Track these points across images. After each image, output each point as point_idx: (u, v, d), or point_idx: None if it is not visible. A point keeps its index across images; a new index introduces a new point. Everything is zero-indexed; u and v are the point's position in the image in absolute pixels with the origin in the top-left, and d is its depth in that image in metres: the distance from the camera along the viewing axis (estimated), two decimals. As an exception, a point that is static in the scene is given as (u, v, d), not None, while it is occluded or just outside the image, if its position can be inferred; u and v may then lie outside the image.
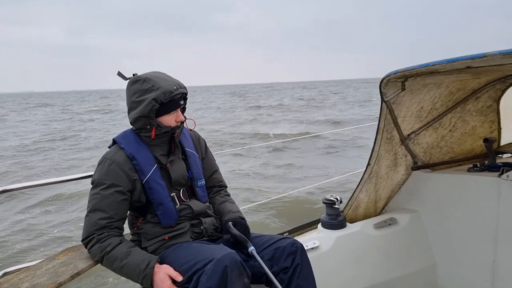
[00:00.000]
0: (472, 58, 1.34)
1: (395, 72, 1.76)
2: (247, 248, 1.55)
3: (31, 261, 1.64)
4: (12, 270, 1.55)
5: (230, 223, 1.66)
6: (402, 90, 1.89)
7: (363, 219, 2.22)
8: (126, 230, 1.67)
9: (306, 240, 1.96)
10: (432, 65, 1.55)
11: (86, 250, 1.56)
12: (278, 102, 37.80)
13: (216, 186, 1.90)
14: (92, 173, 1.64)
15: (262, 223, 5.86)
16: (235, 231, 1.62)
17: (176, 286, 1.45)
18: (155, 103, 1.54)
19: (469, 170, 2.12)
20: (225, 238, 1.66)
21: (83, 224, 1.55)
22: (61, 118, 30.43)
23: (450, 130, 2.23)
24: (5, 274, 1.53)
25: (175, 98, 1.59)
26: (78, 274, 1.43)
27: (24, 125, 25.52)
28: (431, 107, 2.09)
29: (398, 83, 1.86)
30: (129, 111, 1.63)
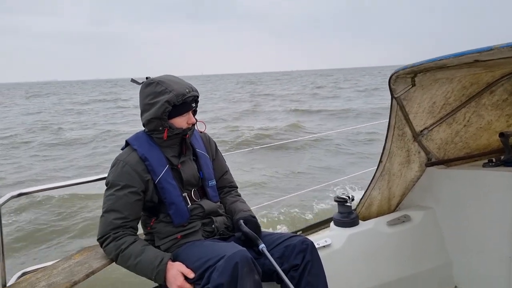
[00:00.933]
0: (479, 51, 1.31)
1: (404, 68, 1.74)
2: (257, 246, 1.57)
3: (48, 261, 1.69)
4: (30, 270, 1.60)
5: (241, 221, 1.69)
6: (412, 86, 1.87)
7: (376, 217, 2.20)
8: (140, 231, 1.71)
9: (318, 238, 1.96)
10: (440, 59, 1.52)
11: (101, 250, 1.60)
12: (286, 91, 37.13)
13: (226, 186, 1.93)
14: (106, 175, 1.68)
15: (272, 222, 5.87)
16: (246, 229, 1.64)
17: (188, 282, 1.48)
18: (168, 105, 1.58)
19: (484, 166, 2.08)
20: (236, 236, 1.69)
21: (98, 224, 1.60)
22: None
23: (464, 125, 2.19)
24: (23, 274, 1.58)
25: (187, 101, 1.63)
26: (92, 273, 1.47)
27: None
28: (444, 102, 2.05)
29: (407, 79, 1.84)
30: (142, 113, 1.67)
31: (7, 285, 1.47)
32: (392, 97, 1.90)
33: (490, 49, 1.26)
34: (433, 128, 2.12)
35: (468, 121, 2.18)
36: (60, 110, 28.70)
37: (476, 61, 1.47)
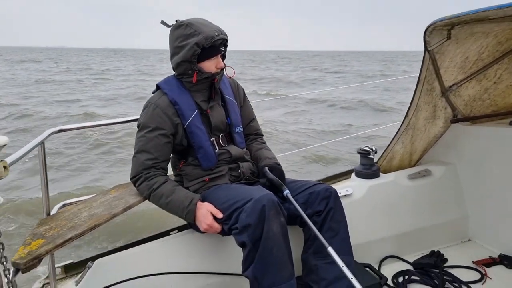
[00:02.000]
0: None
1: (442, 19, 1.68)
2: (282, 192, 1.61)
3: (85, 195, 1.80)
4: (70, 202, 1.71)
5: (267, 168, 1.73)
6: (447, 39, 1.82)
7: (397, 170, 2.24)
8: (170, 172, 1.78)
9: (340, 188, 2.02)
10: (482, 11, 1.47)
11: (134, 188, 1.69)
12: (271, 74, 34.05)
13: (253, 134, 1.96)
14: (138, 116, 1.73)
15: (296, 171, 6.00)
16: (271, 175, 1.69)
17: (217, 222, 1.57)
18: (197, 47, 1.58)
19: (511, 124, 2.06)
20: (261, 182, 1.74)
21: (131, 164, 1.68)
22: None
23: (494, 82, 2.15)
24: (64, 205, 1.69)
25: (216, 44, 1.62)
26: (129, 207, 1.57)
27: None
28: (477, 58, 2.00)
29: (444, 31, 1.79)
30: (172, 56, 1.68)
31: (51, 214, 1.59)
32: (426, 49, 1.86)
33: None
34: (462, 84, 2.09)
35: (499, 78, 2.13)
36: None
37: None
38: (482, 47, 1.96)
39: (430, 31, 1.77)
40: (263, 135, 2.01)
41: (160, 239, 1.74)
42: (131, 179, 1.69)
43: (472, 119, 2.23)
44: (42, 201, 1.57)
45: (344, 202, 1.74)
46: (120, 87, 21.51)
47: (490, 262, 1.97)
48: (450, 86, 2.09)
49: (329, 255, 1.39)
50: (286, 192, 1.61)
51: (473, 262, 1.99)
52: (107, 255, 1.63)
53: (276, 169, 1.75)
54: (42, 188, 1.55)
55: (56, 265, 1.62)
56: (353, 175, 2.19)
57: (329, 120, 11.49)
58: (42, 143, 1.53)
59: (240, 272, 1.48)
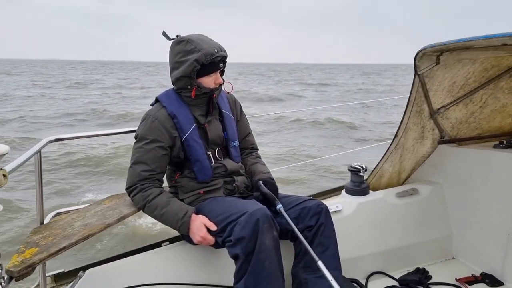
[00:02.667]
0: (509, 35, 1.36)
1: (432, 46, 1.77)
2: (275, 206, 1.65)
3: (79, 204, 1.81)
4: (64, 211, 1.72)
5: (261, 182, 1.77)
6: (436, 64, 1.91)
7: (385, 188, 2.30)
8: (164, 184, 1.80)
9: (330, 204, 2.06)
10: (469, 40, 1.56)
11: (129, 198, 1.70)
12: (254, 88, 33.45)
13: (248, 148, 2.00)
14: (136, 128, 1.76)
15: (288, 186, 6.03)
16: (265, 189, 1.73)
17: (211, 234, 1.59)
18: (197, 64, 1.62)
19: (495, 147, 2.15)
20: (255, 195, 1.78)
21: (127, 175, 1.70)
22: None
23: (480, 107, 2.24)
24: (57, 214, 1.70)
25: (215, 61, 1.66)
26: (123, 217, 1.58)
27: None
28: (464, 83, 2.10)
29: (433, 56, 1.87)
30: (171, 71, 1.72)
31: (44, 222, 1.59)
32: (416, 73, 1.94)
33: None
34: (450, 107, 2.17)
35: (484, 102, 2.23)
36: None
37: (504, 44, 1.51)
38: (469, 73, 2.05)
39: (420, 56, 1.85)
40: (258, 150, 2.05)
41: (152, 250, 1.75)
42: (126, 189, 1.70)
43: (459, 141, 2.32)
44: (36, 209, 1.57)
45: (334, 218, 1.79)
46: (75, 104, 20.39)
47: (472, 280, 2.03)
48: (438, 109, 2.17)
49: (318, 270, 1.43)
50: (279, 206, 1.65)
51: (456, 280, 2.05)
52: (98, 265, 1.64)
53: (270, 183, 1.79)
54: (37, 197, 1.56)
55: (47, 274, 1.62)
56: (343, 191, 2.24)
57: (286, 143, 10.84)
58: (39, 151, 1.54)
59: (232, 285, 1.50)
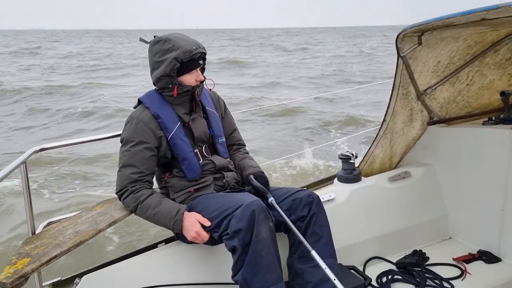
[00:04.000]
0: (486, 10, 1.35)
1: (411, 27, 1.76)
2: (267, 199, 1.66)
3: (70, 212, 1.81)
4: (55, 220, 1.72)
5: (251, 175, 1.78)
6: (418, 45, 1.89)
7: (378, 173, 2.30)
8: (155, 185, 1.80)
9: (323, 193, 2.06)
10: (447, 18, 1.55)
11: (120, 203, 1.70)
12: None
13: (235, 144, 2.00)
14: (120, 132, 1.75)
15: (280, 178, 6.02)
16: (256, 183, 1.73)
17: (205, 231, 1.60)
18: (176, 62, 1.61)
19: (484, 124, 2.15)
20: (246, 190, 1.78)
21: (116, 179, 1.69)
22: None
23: (467, 85, 2.23)
24: (49, 223, 1.70)
25: (195, 58, 1.66)
26: (114, 222, 1.58)
27: None
28: (449, 61, 2.09)
29: (414, 37, 1.86)
30: (152, 71, 1.71)
31: (36, 232, 1.59)
32: (398, 56, 1.93)
33: (497, 8, 1.30)
34: (436, 87, 2.16)
35: (471, 80, 2.22)
36: None
37: (483, 19, 1.50)
38: (453, 51, 2.04)
39: (401, 38, 1.84)
40: (245, 145, 2.06)
41: (147, 252, 1.75)
42: (116, 193, 1.70)
43: (448, 121, 2.31)
44: (27, 220, 1.57)
45: (327, 206, 1.79)
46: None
47: (470, 258, 2.04)
48: (425, 90, 2.16)
49: (313, 259, 1.44)
50: (271, 199, 1.65)
51: (454, 259, 2.05)
52: (94, 271, 1.64)
53: (261, 177, 1.79)
54: (26, 208, 1.56)
55: (44, 283, 1.62)
56: (335, 180, 2.24)
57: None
58: (24, 162, 1.54)
59: (229, 282, 1.51)
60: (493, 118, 2.16)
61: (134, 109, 1.76)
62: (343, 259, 1.91)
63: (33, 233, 1.58)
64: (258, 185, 1.72)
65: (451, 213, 2.27)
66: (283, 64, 24.46)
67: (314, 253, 1.44)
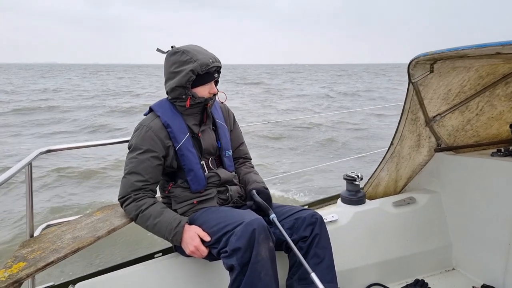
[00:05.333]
0: (502, 44, 1.35)
1: (425, 55, 1.76)
2: (268, 216, 1.63)
3: (70, 216, 1.78)
4: (54, 223, 1.69)
5: (254, 191, 1.75)
6: (430, 72, 1.90)
7: (382, 197, 2.27)
8: (157, 194, 1.78)
9: (326, 213, 2.04)
10: (462, 49, 1.55)
11: (121, 209, 1.68)
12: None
13: (242, 157, 1.99)
14: (129, 138, 1.74)
15: (283, 195, 5.99)
16: (258, 198, 1.71)
17: (204, 246, 1.56)
18: (192, 74, 1.62)
19: (492, 155, 2.13)
20: (248, 205, 1.75)
21: (120, 185, 1.67)
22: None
23: (477, 114, 2.23)
24: (48, 226, 1.67)
25: (211, 71, 1.67)
26: (114, 230, 1.55)
27: None
28: (459, 90, 2.08)
29: (427, 65, 1.86)
30: (166, 81, 1.71)
31: (34, 235, 1.57)
32: (410, 81, 1.93)
33: None
34: (446, 114, 2.16)
35: (480, 110, 2.21)
36: None
37: (498, 53, 1.50)
38: (464, 81, 2.04)
39: (413, 65, 1.84)
40: (251, 159, 2.04)
41: (144, 262, 1.72)
42: (119, 199, 1.68)
43: (456, 149, 2.30)
44: (26, 222, 1.55)
45: (329, 228, 1.76)
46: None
47: (473, 292, 1.99)
48: (434, 117, 2.15)
49: (313, 282, 1.40)
50: (272, 216, 1.62)
51: None
52: (88, 278, 1.60)
53: (264, 192, 1.76)
54: (27, 210, 1.53)
55: None
56: (339, 200, 2.21)
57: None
58: (29, 163, 1.52)
59: None
60: (502, 150, 2.14)
61: (144, 116, 1.75)
62: (342, 283, 1.87)
63: (31, 235, 1.55)
64: (260, 201, 1.70)
65: (455, 243, 2.23)
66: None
67: (313, 275, 1.40)
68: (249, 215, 1.52)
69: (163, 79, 1.76)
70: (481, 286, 2.02)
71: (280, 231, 1.56)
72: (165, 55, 1.71)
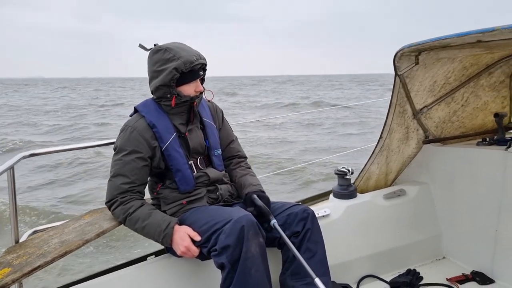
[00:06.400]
0: (482, 32, 1.36)
1: (409, 46, 1.78)
2: (269, 221, 1.59)
3: (58, 221, 1.74)
4: (41, 229, 1.65)
5: (255, 195, 1.69)
6: (415, 64, 1.91)
7: (373, 191, 2.28)
8: (147, 195, 1.75)
9: (318, 208, 2.04)
10: (444, 39, 1.57)
11: (109, 212, 1.65)
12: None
13: (235, 156, 1.92)
14: (114, 140, 1.71)
15: (276, 191, 5.99)
16: (260, 202, 1.65)
17: (195, 245, 1.54)
18: (176, 72, 1.59)
19: (478, 144, 2.16)
20: (249, 210, 1.66)
21: (106, 188, 1.64)
22: None
23: (462, 105, 2.25)
24: (35, 232, 1.63)
25: (195, 69, 1.64)
26: (103, 232, 1.53)
27: None
28: (445, 82, 2.11)
29: (411, 57, 1.88)
30: (150, 80, 1.68)
31: (20, 241, 1.53)
32: (396, 74, 1.94)
33: (492, 30, 1.31)
34: (432, 106, 2.18)
35: (466, 101, 2.24)
36: None
37: (479, 41, 1.52)
38: (449, 72, 2.06)
39: (399, 57, 1.86)
40: (246, 157, 1.98)
41: (136, 264, 1.69)
42: (106, 203, 1.65)
43: (443, 140, 2.32)
44: (11, 228, 1.51)
45: (322, 222, 1.75)
46: None
47: (463, 279, 2.01)
48: (421, 109, 2.17)
49: (306, 276, 1.39)
50: (273, 221, 1.58)
51: (447, 279, 2.02)
52: (79, 283, 1.57)
53: (263, 197, 1.71)
54: (11, 215, 1.50)
55: None
56: (331, 195, 2.22)
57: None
58: (11, 167, 1.49)
59: None
60: (487, 139, 2.18)
61: (129, 117, 1.72)
62: (336, 276, 1.87)
63: (17, 241, 1.51)
64: (262, 205, 1.64)
65: (445, 233, 2.26)
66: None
67: (318, 280, 1.36)
68: (237, 212, 1.50)
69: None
70: (471, 273, 2.05)
71: (281, 236, 1.53)
72: (148, 52, 1.68)
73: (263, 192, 1.76)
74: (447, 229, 2.25)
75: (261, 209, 1.63)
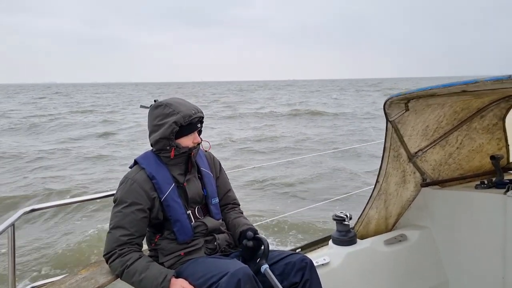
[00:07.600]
0: (466, 83, 1.43)
1: (397, 95, 1.85)
2: (259, 267, 1.58)
3: (56, 276, 1.74)
4: (39, 285, 1.64)
5: (250, 232, 1.72)
6: (406, 111, 1.97)
7: (374, 235, 2.25)
8: (144, 246, 1.76)
9: (317, 256, 2.01)
10: (430, 89, 1.64)
11: (107, 266, 1.65)
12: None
13: (230, 203, 1.98)
14: (114, 192, 1.75)
15: (274, 239, 5.87)
16: (250, 243, 1.68)
17: None
18: (175, 125, 1.67)
19: (476, 187, 2.16)
20: (244, 243, 1.71)
21: (105, 240, 1.65)
22: None
23: (457, 148, 2.28)
24: None
25: (193, 122, 1.72)
26: (99, 288, 1.52)
27: None
28: (437, 126, 2.15)
29: (401, 104, 1.94)
30: (150, 134, 1.75)
31: None
32: (387, 120, 1.99)
33: (475, 82, 1.37)
34: (427, 150, 2.20)
35: (460, 143, 2.27)
36: None
37: (464, 91, 1.58)
38: (440, 116, 2.11)
39: (388, 105, 1.92)
40: (239, 205, 2.04)
41: None
42: (104, 255, 1.66)
43: (441, 183, 2.32)
44: (9, 284, 1.51)
45: (321, 271, 1.73)
46: None
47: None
48: (416, 152, 2.20)
49: None
50: (265, 267, 1.58)
51: None
52: None
53: (261, 239, 1.71)
54: (9, 271, 1.50)
55: None
56: (330, 242, 2.19)
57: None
58: (12, 224, 1.51)
59: None
60: (486, 182, 2.17)
61: (129, 169, 1.77)
62: None
63: None
64: (257, 244, 1.67)
65: (451, 280, 2.19)
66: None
67: None
68: (234, 265, 1.50)
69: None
70: None
71: (273, 284, 1.51)
72: (148, 110, 1.77)
73: (257, 232, 1.76)
74: (453, 276, 2.18)
75: (256, 246, 1.67)
